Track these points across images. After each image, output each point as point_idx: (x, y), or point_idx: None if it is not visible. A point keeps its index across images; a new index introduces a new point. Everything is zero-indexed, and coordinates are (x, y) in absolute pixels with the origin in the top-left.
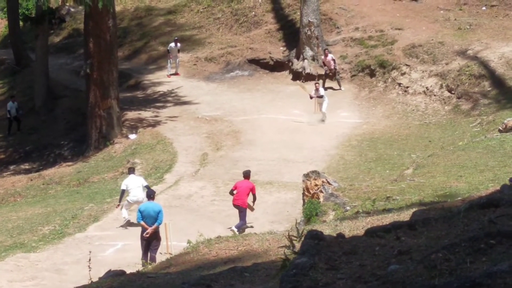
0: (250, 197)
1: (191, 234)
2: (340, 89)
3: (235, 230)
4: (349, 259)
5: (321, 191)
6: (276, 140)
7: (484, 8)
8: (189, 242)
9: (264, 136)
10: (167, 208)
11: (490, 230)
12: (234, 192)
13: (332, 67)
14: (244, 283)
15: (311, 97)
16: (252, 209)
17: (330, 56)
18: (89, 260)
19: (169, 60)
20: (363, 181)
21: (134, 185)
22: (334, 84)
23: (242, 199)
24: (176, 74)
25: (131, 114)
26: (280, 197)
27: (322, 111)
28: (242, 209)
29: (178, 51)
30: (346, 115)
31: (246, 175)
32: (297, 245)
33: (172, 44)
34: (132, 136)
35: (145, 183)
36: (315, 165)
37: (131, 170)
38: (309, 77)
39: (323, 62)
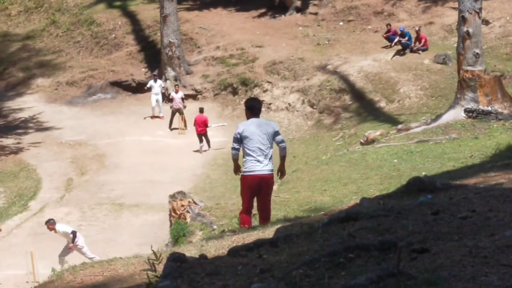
0: None
1: (57, 261)
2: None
3: None
4: (212, 280)
5: (187, 211)
6: (141, 162)
7: (341, 23)
8: (53, 270)
9: (129, 158)
10: (33, 235)
11: (349, 244)
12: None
13: (179, 106)
14: None
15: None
16: None
17: (180, 94)
18: None
19: (151, 99)
20: (229, 199)
21: None
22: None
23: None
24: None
25: None
26: (148, 219)
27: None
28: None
29: (163, 87)
30: (210, 134)
31: (201, 110)
32: (161, 268)
33: (152, 81)
34: None
35: None
36: (181, 185)
37: None
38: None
39: (171, 98)
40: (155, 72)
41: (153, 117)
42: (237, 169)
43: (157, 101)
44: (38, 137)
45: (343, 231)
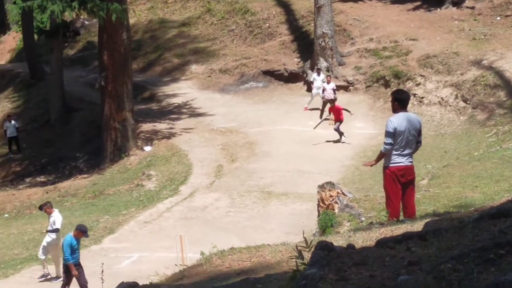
0: None
1: (206, 245)
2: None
3: None
4: (359, 269)
5: (336, 202)
6: (291, 151)
7: (498, 18)
8: (202, 253)
9: (279, 147)
10: (183, 220)
11: (499, 240)
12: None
13: (331, 97)
14: None
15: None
16: None
17: (331, 85)
18: (102, 272)
19: (313, 92)
20: (378, 191)
21: None
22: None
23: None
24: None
25: (146, 126)
26: (296, 208)
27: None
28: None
29: (324, 82)
30: (361, 126)
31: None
32: (308, 256)
33: (315, 74)
34: (147, 148)
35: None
36: (330, 176)
37: None
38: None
39: (323, 89)
40: (319, 66)
41: (308, 109)
42: (375, 162)
43: (316, 94)
44: (190, 123)
45: (493, 227)
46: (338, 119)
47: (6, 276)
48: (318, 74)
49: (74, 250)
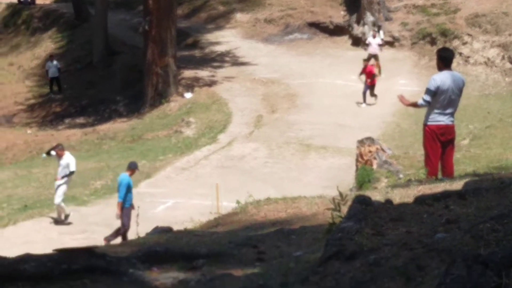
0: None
1: (242, 195)
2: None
3: None
4: (396, 225)
5: (374, 158)
6: (332, 104)
7: None
8: (238, 202)
9: (321, 100)
10: (220, 168)
11: None
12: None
13: (376, 52)
14: (290, 245)
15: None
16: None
17: (377, 39)
18: (137, 215)
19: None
20: (418, 149)
21: None
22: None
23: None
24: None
25: (187, 73)
26: (334, 163)
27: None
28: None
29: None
30: (404, 83)
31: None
32: (345, 210)
33: (370, 37)
34: (188, 95)
35: None
36: (370, 131)
37: None
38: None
39: (368, 43)
40: (375, 28)
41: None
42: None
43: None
44: (232, 71)
45: None
46: (371, 83)
47: (42, 215)
48: (374, 37)
49: (130, 190)
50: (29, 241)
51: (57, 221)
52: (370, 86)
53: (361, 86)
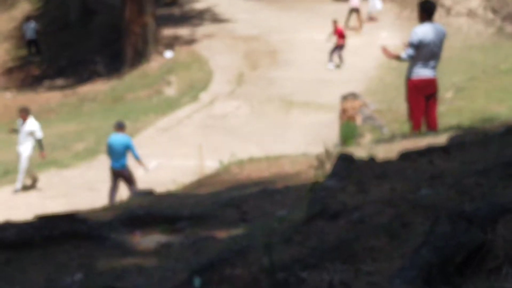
0: None
1: (225, 154)
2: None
3: None
4: (380, 182)
5: (358, 113)
6: (313, 60)
7: None
8: (220, 162)
9: (302, 56)
10: (202, 127)
11: None
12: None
13: (357, 5)
14: (274, 205)
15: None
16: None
17: None
18: None
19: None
20: (401, 103)
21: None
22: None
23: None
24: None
25: (167, 32)
26: (317, 118)
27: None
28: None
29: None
30: (386, 36)
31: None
32: (328, 167)
33: None
34: (168, 54)
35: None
36: (353, 86)
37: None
38: None
39: None
40: None
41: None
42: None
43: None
44: (212, 29)
45: None
46: (339, 43)
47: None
48: None
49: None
50: (10, 207)
51: (28, 187)
52: (339, 46)
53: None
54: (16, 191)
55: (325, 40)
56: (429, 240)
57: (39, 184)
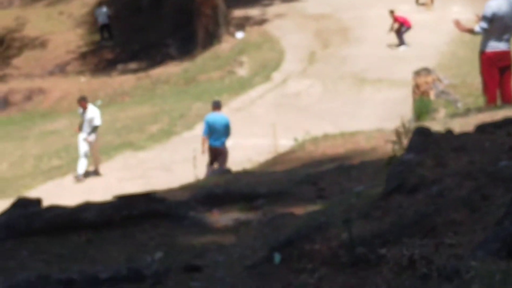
0: None
1: (299, 132)
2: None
3: None
4: (458, 155)
5: (431, 88)
6: (385, 37)
7: None
8: (295, 140)
9: (373, 32)
10: (275, 107)
11: None
12: None
13: None
14: (351, 181)
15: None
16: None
17: None
18: (194, 157)
19: None
20: (475, 77)
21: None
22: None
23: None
24: None
25: (237, 13)
26: (390, 95)
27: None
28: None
29: None
30: (458, 10)
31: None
32: (405, 142)
33: None
34: (239, 35)
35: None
36: (426, 61)
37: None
38: None
39: None
40: None
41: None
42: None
43: None
44: (282, 8)
45: None
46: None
47: (101, 162)
48: None
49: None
50: (88, 189)
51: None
52: (406, 28)
53: (414, 16)
54: (77, 177)
55: (387, 33)
56: (511, 212)
57: (116, 165)
